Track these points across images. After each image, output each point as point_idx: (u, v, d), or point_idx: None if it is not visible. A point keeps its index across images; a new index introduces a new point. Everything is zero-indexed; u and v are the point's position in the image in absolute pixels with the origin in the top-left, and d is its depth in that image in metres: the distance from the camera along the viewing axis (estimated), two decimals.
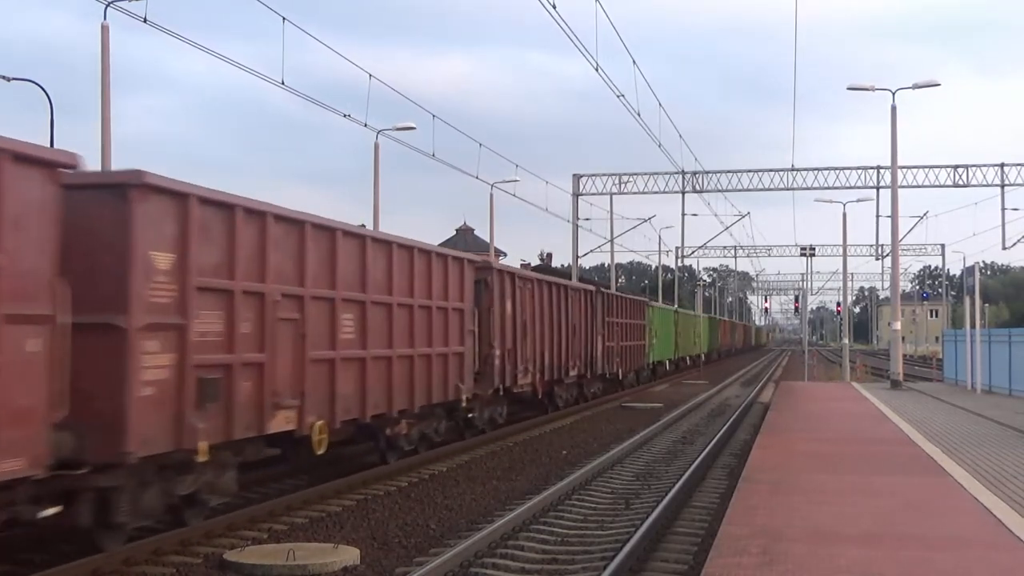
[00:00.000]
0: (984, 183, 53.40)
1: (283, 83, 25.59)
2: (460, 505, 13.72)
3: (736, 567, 8.03)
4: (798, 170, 55.43)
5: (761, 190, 56.61)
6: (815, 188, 55.27)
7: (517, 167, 54.36)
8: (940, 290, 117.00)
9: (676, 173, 55.26)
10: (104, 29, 23.27)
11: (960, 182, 53.31)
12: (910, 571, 8.00)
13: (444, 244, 75.27)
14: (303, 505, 13.20)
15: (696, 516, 12.71)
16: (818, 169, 55.37)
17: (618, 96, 31.67)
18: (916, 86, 35.14)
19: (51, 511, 9.06)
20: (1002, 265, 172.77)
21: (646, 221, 66.55)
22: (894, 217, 36.49)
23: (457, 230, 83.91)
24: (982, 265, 54.54)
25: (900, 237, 38.33)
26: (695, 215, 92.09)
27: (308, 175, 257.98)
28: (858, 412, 23.91)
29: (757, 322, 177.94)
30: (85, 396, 8.99)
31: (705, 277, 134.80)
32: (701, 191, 56.94)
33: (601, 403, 31.93)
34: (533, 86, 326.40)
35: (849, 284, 63.95)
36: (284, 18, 24.54)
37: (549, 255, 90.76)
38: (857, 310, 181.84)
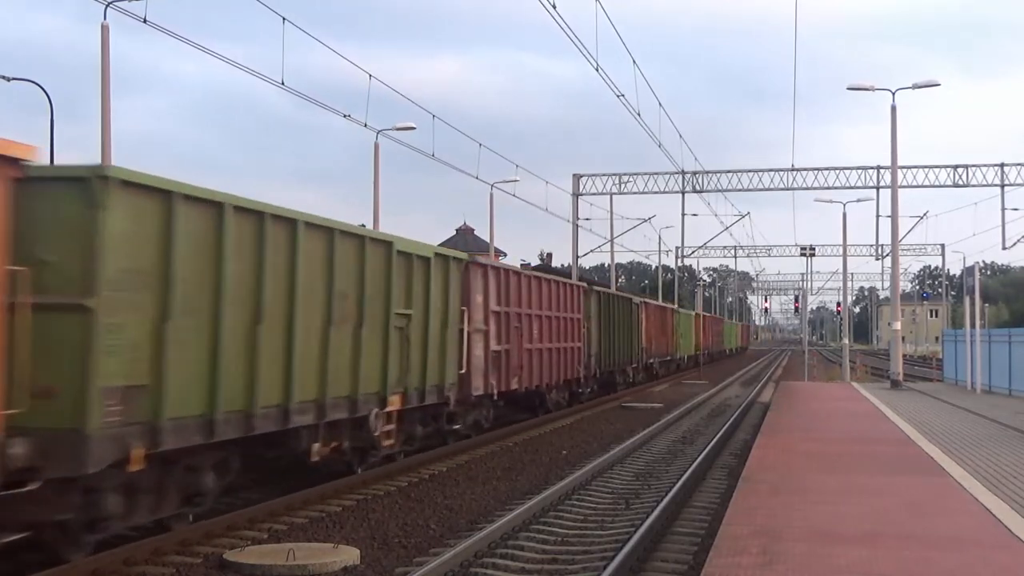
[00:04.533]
0: (984, 183, 53.46)
1: (283, 83, 25.61)
2: (460, 505, 13.71)
3: (736, 567, 8.03)
4: (798, 170, 55.52)
5: (761, 190, 56.68)
6: (815, 188, 55.37)
7: (517, 167, 54.35)
8: (940, 290, 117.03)
9: (676, 173, 55.31)
10: (104, 29, 23.29)
11: (960, 182, 53.34)
12: (910, 571, 8.00)
13: (444, 244, 75.40)
14: (303, 505, 13.20)
15: (696, 516, 12.71)
16: (818, 169, 55.44)
17: (618, 96, 31.69)
18: (916, 86, 35.17)
19: None
20: (1002, 265, 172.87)
21: (646, 221, 66.57)
22: (894, 217, 36.50)
23: (457, 230, 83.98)
24: (982, 265, 54.57)
25: (900, 237, 38.34)
26: (695, 215, 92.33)
27: (307, 176, 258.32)
28: (858, 412, 23.91)
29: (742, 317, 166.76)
30: None
31: (705, 277, 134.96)
32: (701, 191, 56.98)
33: (601, 403, 31.92)
34: (530, 87, 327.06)
35: (849, 284, 63.95)
36: (284, 18, 24.55)
37: (549, 255, 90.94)
38: (857, 310, 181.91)
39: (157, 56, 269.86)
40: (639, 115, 33.91)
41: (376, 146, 38.27)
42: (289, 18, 24.83)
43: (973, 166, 53.62)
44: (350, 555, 10.37)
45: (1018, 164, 53.07)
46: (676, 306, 59.44)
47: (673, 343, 50.64)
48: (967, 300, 35.67)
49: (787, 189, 55.98)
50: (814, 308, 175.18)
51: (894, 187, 36.87)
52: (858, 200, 54.44)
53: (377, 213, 38.59)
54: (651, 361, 43.37)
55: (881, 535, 9.30)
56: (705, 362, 65.38)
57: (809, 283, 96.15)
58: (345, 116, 31.24)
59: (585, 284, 30.94)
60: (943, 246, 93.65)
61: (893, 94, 35.03)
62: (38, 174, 8.85)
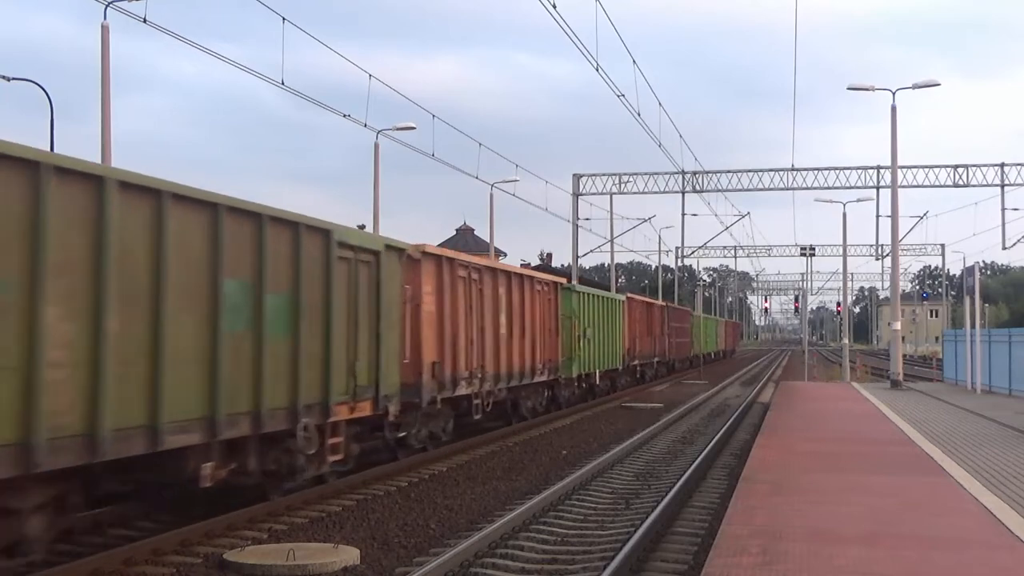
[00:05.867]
0: (984, 183, 53.47)
1: (283, 83, 25.63)
2: (460, 505, 13.71)
3: (736, 567, 8.03)
4: (798, 170, 55.52)
5: (761, 190, 56.67)
6: (815, 188, 55.40)
7: (517, 167, 54.44)
8: (940, 290, 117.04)
9: (676, 173, 55.32)
10: (104, 29, 23.30)
11: (960, 182, 53.35)
12: (910, 571, 8.00)
13: (444, 244, 75.44)
14: (303, 505, 13.20)
15: (696, 516, 12.71)
16: (818, 169, 55.45)
17: (618, 96, 31.69)
18: (916, 86, 35.17)
19: None
20: (1002, 265, 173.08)
21: (646, 221, 66.55)
22: (894, 217, 36.49)
23: (457, 230, 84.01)
24: (982, 265, 54.59)
25: (900, 237, 38.34)
26: (695, 215, 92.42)
27: (307, 176, 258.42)
28: (858, 412, 23.91)
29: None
30: None
31: (705, 277, 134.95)
32: (701, 191, 56.98)
33: (601, 403, 31.91)
34: (530, 87, 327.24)
35: (849, 284, 63.97)
36: (284, 18, 24.57)
37: (549, 255, 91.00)
38: (857, 310, 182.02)
39: (156, 56, 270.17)
40: (639, 115, 33.94)
41: (376, 146, 38.29)
42: (289, 18, 24.89)
43: (973, 166, 53.66)
44: (350, 555, 10.37)
45: (1018, 164, 53.10)
46: (571, 283, 32.59)
47: (560, 349, 26.55)
48: (967, 300, 35.67)
49: (787, 189, 56.02)
50: (814, 308, 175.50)
51: (894, 187, 36.86)
52: (858, 200, 54.51)
53: (377, 213, 38.62)
54: (468, 392, 19.46)
55: (881, 535, 9.30)
56: (652, 378, 44.05)
57: (809, 283, 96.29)
58: (345, 116, 31.27)
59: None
60: (943, 246, 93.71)
61: (893, 94, 35.06)
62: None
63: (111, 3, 22.81)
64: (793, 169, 55.46)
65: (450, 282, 18.47)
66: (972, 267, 34.64)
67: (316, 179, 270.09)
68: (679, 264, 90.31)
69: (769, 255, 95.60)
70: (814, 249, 76.61)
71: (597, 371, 31.63)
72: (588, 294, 30.91)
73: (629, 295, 40.61)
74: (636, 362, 39.70)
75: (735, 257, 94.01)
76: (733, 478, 14.68)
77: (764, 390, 39.48)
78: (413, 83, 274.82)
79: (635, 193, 57.64)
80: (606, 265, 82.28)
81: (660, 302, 50.72)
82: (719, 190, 57.29)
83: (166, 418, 10.00)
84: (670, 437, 22.63)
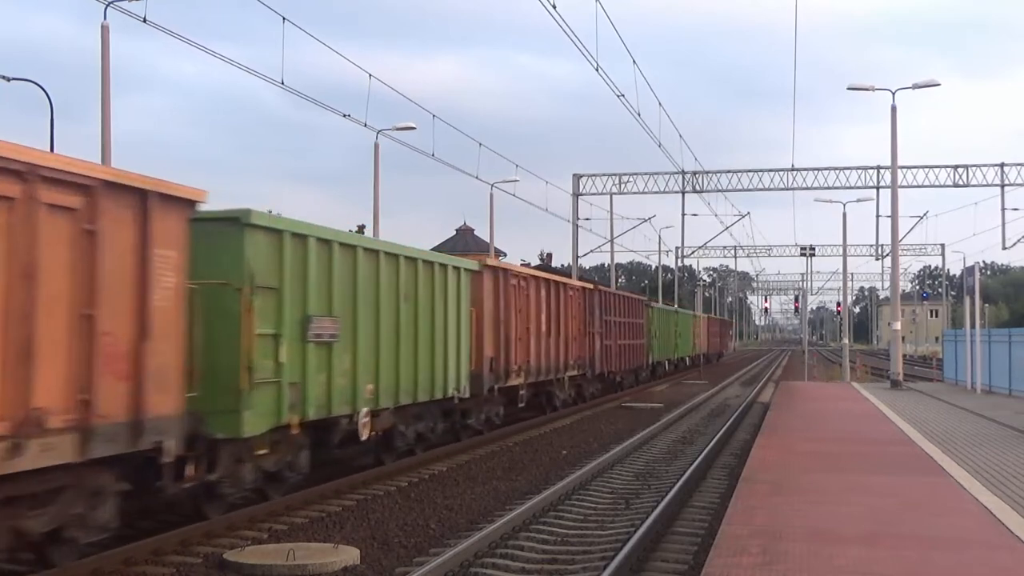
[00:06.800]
0: (984, 183, 53.49)
1: (283, 83, 25.62)
2: (460, 505, 13.72)
3: (736, 567, 8.03)
4: (798, 170, 55.53)
5: (761, 190, 56.67)
6: (815, 188, 55.41)
7: (517, 167, 54.41)
8: (940, 290, 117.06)
9: (676, 173, 55.33)
10: (104, 29, 23.29)
11: (960, 182, 53.37)
12: (910, 571, 8.00)
13: (444, 244, 75.43)
14: (303, 505, 13.20)
15: (696, 516, 12.71)
16: (818, 169, 55.46)
17: (618, 96, 31.70)
18: (916, 86, 35.16)
19: None
20: (1002, 265, 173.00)
21: (646, 221, 66.61)
22: (894, 217, 36.49)
23: (457, 230, 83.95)
24: (982, 265, 54.60)
25: (900, 237, 38.33)
26: (695, 215, 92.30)
27: (306, 176, 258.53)
28: (858, 412, 23.91)
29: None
30: None
31: (705, 277, 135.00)
32: (701, 191, 56.98)
33: (601, 403, 31.91)
34: (530, 87, 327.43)
35: (849, 284, 63.98)
36: (284, 18, 24.57)
37: (549, 255, 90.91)
38: (857, 310, 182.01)
39: (156, 56, 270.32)
40: (639, 115, 33.95)
41: (376, 146, 38.26)
42: (289, 18, 24.89)
43: (973, 166, 53.70)
44: (350, 555, 10.38)
45: (1018, 164, 53.12)
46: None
47: (171, 374, 10.10)
48: (967, 300, 35.67)
49: (787, 189, 56.03)
50: (814, 308, 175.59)
51: (894, 187, 36.86)
52: (858, 200, 54.49)
53: (377, 213, 38.62)
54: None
55: (881, 535, 9.30)
56: (562, 404, 27.70)
57: (809, 283, 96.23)
58: (345, 116, 31.27)
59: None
60: (943, 246, 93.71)
61: (893, 94, 35.04)
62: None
63: (111, 3, 22.81)
64: (793, 169, 55.49)
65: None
66: (972, 267, 34.64)
67: (316, 179, 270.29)
68: (679, 264, 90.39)
69: (769, 255, 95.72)
70: (814, 249, 76.62)
71: (365, 409, 14.93)
72: (323, 242, 13.94)
73: (490, 262, 21.89)
74: (519, 381, 23.01)
75: (735, 257, 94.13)
76: (733, 478, 14.68)
77: (764, 390, 39.48)
78: (413, 83, 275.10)
79: (635, 193, 57.71)
80: (606, 265, 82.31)
81: (581, 283, 31.85)
82: (719, 190, 57.32)
83: None
84: (670, 437, 22.63)
